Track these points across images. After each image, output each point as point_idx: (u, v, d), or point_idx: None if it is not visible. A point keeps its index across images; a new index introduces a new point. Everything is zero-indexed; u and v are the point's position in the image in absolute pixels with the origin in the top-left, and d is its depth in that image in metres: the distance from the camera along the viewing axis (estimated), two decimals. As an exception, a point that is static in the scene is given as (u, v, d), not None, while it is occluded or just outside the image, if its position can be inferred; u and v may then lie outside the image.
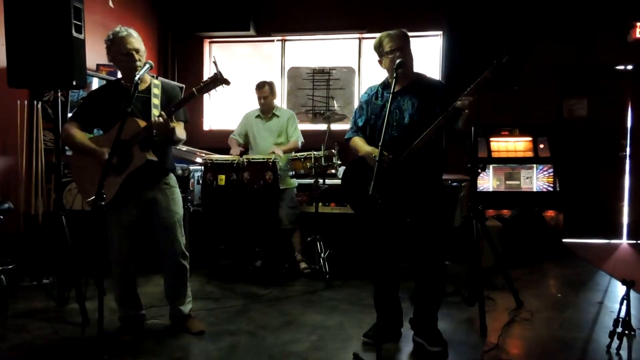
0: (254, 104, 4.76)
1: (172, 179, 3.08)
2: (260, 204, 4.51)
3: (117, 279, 2.98)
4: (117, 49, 2.85)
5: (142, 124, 2.80)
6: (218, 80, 2.78)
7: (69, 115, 4.40)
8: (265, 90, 4.59)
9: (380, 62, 2.88)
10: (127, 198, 2.87)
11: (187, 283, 3.15)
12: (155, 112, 2.85)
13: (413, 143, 2.68)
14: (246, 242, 4.68)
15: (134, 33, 2.90)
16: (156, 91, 2.94)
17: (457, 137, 2.80)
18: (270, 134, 4.64)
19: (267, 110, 4.69)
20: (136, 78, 2.62)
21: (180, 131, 2.93)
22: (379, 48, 2.84)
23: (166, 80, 3.09)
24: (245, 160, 4.17)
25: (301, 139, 4.69)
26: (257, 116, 4.73)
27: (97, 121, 2.98)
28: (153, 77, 3.05)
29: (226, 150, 4.71)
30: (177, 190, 3.08)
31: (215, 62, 2.89)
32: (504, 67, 2.56)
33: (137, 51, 2.87)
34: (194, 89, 2.82)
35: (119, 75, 3.03)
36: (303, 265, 4.51)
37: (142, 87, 2.92)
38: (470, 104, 2.55)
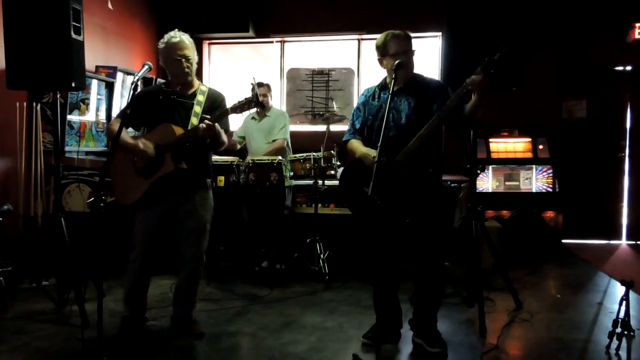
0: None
1: (206, 183, 3.07)
2: (267, 205, 4.51)
3: (131, 278, 2.98)
4: (168, 53, 2.88)
5: (178, 130, 2.82)
6: (253, 102, 2.84)
7: (68, 117, 4.41)
8: (262, 89, 4.66)
9: (380, 61, 2.84)
10: (156, 199, 2.90)
11: (197, 289, 3.15)
12: (194, 120, 2.87)
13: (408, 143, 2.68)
14: (251, 243, 4.67)
15: (187, 40, 2.91)
16: (200, 98, 2.96)
17: (464, 125, 2.77)
18: (262, 134, 4.71)
19: (261, 111, 4.73)
20: (135, 79, 2.59)
21: (223, 135, 2.96)
22: (383, 48, 2.78)
23: (213, 88, 3.11)
24: (250, 161, 4.22)
25: (286, 137, 4.71)
26: (252, 117, 4.81)
27: (141, 121, 3.03)
28: (201, 83, 3.07)
29: (226, 152, 4.70)
30: (209, 195, 3.08)
31: (253, 84, 2.94)
32: (496, 64, 2.55)
33: (187, 59, 2.89)
34: (228, 107, 2.88)
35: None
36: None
37: (188, 92, 2.96)
38: (473, 83, 2.52)
